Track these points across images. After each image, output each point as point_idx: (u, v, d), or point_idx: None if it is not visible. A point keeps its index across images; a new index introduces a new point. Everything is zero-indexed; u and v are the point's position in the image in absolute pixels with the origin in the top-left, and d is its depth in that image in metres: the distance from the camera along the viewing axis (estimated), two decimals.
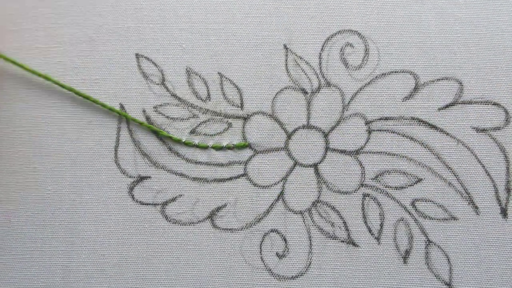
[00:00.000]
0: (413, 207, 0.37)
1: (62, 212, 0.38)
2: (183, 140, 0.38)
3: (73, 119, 0.38)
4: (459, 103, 0.37)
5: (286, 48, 0.38)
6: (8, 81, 0.39)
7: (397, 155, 0.37)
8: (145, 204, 0.38)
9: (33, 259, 0.37)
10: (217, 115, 0.38)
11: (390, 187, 0.37)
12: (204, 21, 0.39)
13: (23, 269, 0.37)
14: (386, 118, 0.37)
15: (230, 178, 0.38)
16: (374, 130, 0.37)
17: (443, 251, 0.36)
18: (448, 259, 0.36)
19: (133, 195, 0.38)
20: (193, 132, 0.38)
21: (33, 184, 0.38)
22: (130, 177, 0.38)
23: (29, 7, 0.40)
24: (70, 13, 0.39)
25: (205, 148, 0.38)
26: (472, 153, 0.37)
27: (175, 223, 0.37)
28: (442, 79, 0.37)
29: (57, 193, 0.38)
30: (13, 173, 0.38)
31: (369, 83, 0.38)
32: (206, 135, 0.38)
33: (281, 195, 0.37)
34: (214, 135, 0.38)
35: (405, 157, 0.37)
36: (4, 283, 0.37)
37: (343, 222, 0.37)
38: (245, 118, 0.38)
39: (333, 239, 0.37)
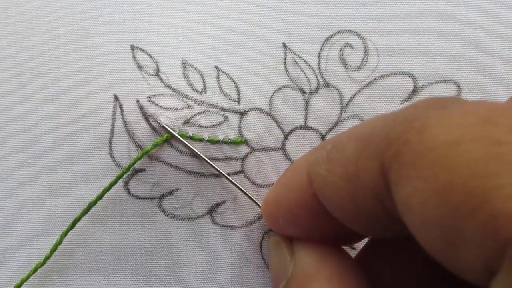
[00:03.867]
0: None
1: (57, 209, 0.37)
2: (206, 138, 0.37)
3: (67, 112, 0.38)
4: None
5: (285, 47, 0.38)
6: (2, 75, 0.38)
7: None
8: (142, 199, 0.37)
9: (29, 258, 0.37)
10: (213, 107, 0.38)
11: None
12: (202, 15, 0.38)
13: (19, 267, 0.37)
14: None
15: (228, 174, 0.37)
16: None
17: None
18: None
19: (129, 189, 0.37)
20: (187, 122, 0.38)
21: (28, 180, 0.38)
22: None
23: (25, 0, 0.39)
24: (65, 5, 0.38)
25: (200, 140, 0.37)
26: None
27: (173, 218, 0.37)
28: (440, 82, 0.38)
29: (52, 188, 0.37)
30: (7, 169, 0.38)
31: (368, 84, 0.38)
32: (200, 126, 0.38)
33: None
34: (209, 127, 0.38)
35: None
36: (1, 282, 0.37)
37: None
38: (242, 114, 0.38)
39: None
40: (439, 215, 0.21)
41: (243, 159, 0.38)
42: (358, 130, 0.27)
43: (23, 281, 0.36)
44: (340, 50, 0.38)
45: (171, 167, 0.37)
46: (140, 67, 0.38)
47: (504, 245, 0.19)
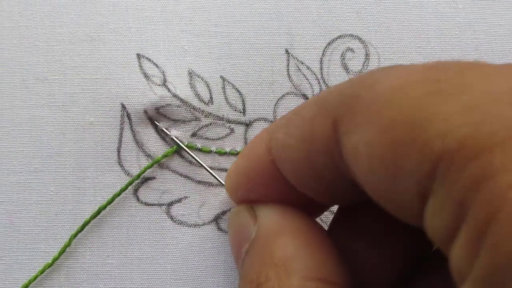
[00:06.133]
0: None
1: (65, 214, 0.38)
2: (214, 150, 0.38)
3: (75, 119, 0.38)
4: None
5: (288, 53, 0.38)
6: (7, 80, 0.38)
7: None
8: (151, 205, 0.38)
9: (36, 261, 0.37)
10: (220, 120, 0.38)
11: None
12: (206, 23, 0.39)
13: (27, 271, 0.37)
14: None
15: None
16: None
17: None
18: None
19: (138, 196, 0.38)
20: (194, 135, 0.38)
21: (35, 185, 0.38)
22: None
23: (28, 4, 0.39)
24: (69, 11, 0.39)
25: (208, 152, 0.38)
26: None
27: (180, 224, 0.38)
28: None
29: (60, 194, 0.38)
30: (14, 174, 0.38)
31: None
32: (208, 139, 0.38)
33: None
34: (216, 139, 0.38)
35: None
36: (8, 286, 0.37)
37: None
38: (247, 125, 0.38)
39: None
40: (382, 152, 0.21)
41: None
42: (317, 96, 0.28)
43: (31, 281, 0.36)
44: (342, 54, 0.38)
45: (181, 176, 0.38)
46: (147, 76, 0.38)
47: (436, 163, 0.20)
